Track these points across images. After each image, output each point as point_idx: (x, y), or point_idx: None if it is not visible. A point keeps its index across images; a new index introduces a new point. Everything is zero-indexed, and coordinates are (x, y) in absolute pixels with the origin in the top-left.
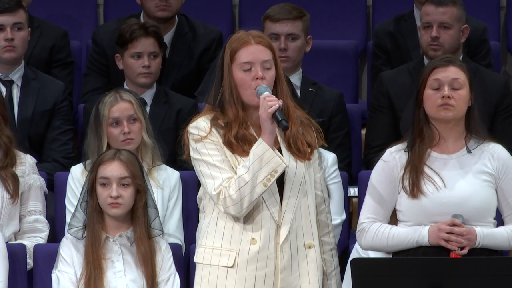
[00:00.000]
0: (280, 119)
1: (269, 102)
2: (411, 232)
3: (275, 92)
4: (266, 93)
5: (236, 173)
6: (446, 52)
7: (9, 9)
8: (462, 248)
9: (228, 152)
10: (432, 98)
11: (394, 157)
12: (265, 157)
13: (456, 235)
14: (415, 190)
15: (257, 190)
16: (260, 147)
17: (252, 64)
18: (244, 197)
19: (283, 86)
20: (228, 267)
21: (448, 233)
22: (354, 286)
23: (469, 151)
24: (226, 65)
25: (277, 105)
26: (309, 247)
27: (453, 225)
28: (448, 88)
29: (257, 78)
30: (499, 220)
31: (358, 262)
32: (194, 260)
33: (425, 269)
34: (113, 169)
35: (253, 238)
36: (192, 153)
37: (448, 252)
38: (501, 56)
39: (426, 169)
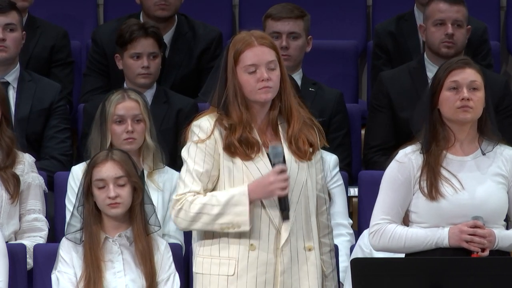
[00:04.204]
0: (284, 208)
1: (283, 183)
2: (430, 234)
3: (279, 92)
4: (281, 166)
5: (206, 190)
6: (458, 50)
7: (1, 10)
8: (483, 250)
9: (217, 162)
10: (450, 100)
11: (409, 158)
12: (237, 209)
13: (479, 236)
14: (433, 192)
15: (214, 227)
16: (243, 198)
17: (257, 66)
18: (198, 222)
19: (286, 85)
20: (228, 275)
21: (470, 234)
22: (354, 286)
23: (483, 153)
24: (230, 67)
25: (287, 192)
26: (309, 250)
27: (475, 226)
28: (467, 90)
29: (262, 80)
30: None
31: (358, 262)
32: (194, 270)
33: (425, 269)
34: (107, 170)
35: (251, 244)
36: (183, 149)
37: (468, 254)
38: (501, 56)
39: (443, 171)
